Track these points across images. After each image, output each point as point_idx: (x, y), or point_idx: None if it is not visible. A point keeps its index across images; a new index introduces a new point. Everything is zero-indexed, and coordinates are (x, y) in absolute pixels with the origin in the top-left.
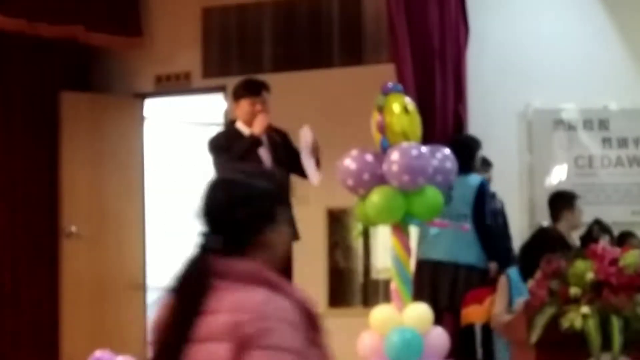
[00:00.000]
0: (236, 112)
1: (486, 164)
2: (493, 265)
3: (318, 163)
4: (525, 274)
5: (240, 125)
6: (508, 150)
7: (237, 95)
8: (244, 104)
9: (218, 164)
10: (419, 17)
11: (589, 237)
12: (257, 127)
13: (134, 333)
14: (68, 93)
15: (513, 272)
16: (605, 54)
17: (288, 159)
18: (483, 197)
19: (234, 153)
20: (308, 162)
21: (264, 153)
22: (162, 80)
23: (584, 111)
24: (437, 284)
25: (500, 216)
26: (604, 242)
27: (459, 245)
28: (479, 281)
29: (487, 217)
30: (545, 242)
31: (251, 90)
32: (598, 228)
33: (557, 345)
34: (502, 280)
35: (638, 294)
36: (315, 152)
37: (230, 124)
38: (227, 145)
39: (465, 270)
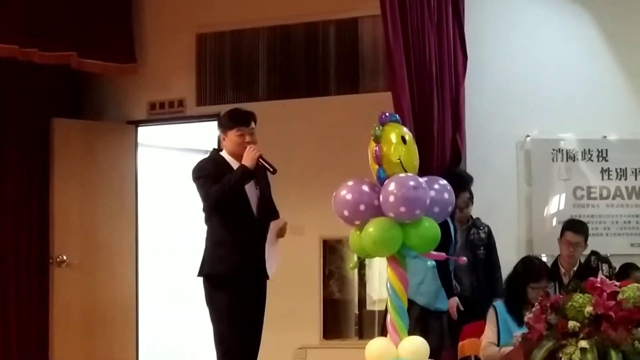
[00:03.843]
0: (223, 144)
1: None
2: (452, 301)
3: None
4: (511, 305)
5: (226, 155)
6: (506, 180)
7: (224, 126)
8: (232, 136)
9: (205, 194)
10: (416, 45)
11: (585, 269)
12: (249, 161)
13: None
14: (60, 120)
15: (499, 304)
16: (604, 84)
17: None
18: (443, 226)
19: (224, 184)
20: (274, 251)
21: (248, 186)
22: (156, 108)
23: (583, 141)
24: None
25: (483, 248)
26: (604, 271)
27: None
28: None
29: (450, 248)
30: (527, 272)
31: (239, 121)
32: (596, 258)
33: None
34: (490, 313)
35: (637, 328)
36: (281, 233)
37: (215, 152)
38: (215, 174)
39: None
